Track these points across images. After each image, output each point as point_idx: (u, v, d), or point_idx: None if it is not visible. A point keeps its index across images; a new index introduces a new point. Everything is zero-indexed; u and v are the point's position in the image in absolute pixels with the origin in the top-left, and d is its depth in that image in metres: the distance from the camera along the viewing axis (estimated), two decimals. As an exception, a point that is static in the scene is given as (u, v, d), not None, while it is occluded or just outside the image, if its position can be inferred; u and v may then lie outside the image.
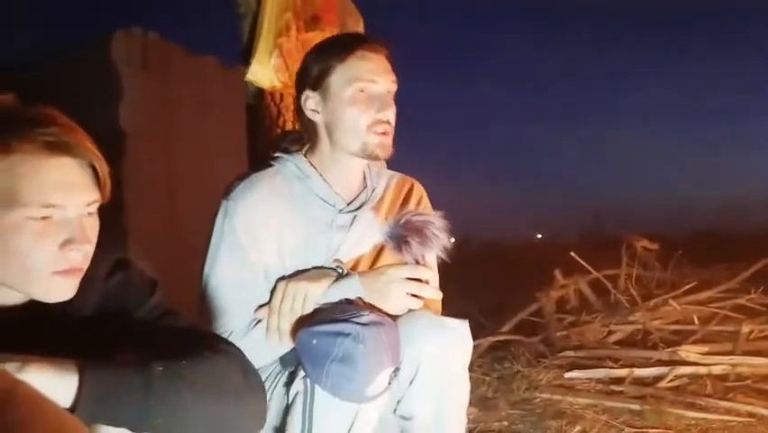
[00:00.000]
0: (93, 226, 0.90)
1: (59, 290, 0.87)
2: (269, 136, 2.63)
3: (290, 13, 2.46)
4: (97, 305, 0.93)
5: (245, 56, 2.52)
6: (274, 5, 2.42)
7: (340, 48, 1.33)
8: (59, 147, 0.84)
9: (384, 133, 1.32)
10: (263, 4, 2.44)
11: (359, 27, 2.73)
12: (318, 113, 1.34)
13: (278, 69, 2.44)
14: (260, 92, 2.58)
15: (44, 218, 0.84)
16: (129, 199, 3.95)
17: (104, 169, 0.89)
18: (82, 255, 0.87)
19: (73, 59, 4.30)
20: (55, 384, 0.74)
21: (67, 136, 0.84)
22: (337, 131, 1.33)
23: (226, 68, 4.98)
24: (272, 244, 1.30)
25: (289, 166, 1.37)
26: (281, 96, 2.57)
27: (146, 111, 4.37)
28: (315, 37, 2.46)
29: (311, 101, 1.35)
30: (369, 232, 1.36)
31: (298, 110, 1.39)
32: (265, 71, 2.46)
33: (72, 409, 0.74)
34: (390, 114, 1.33)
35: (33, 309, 0.88)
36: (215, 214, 1.33)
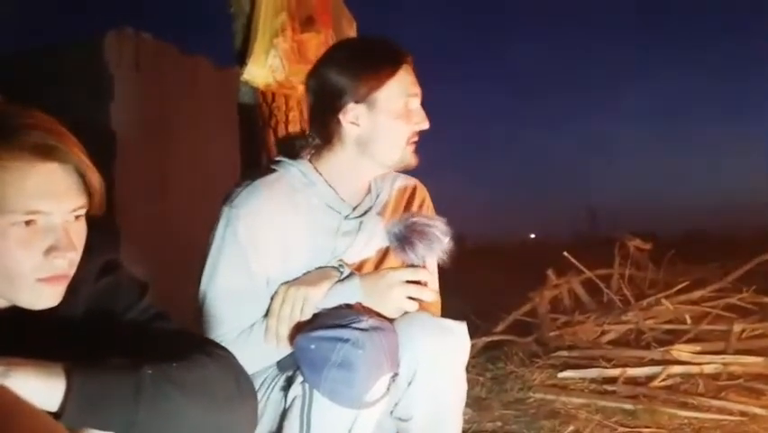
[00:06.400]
0: (79, 232, 0.88)
1: (44, 297, 0.85)
2: (262, 136, 2.63)
3: (285, 14, 2.46)
4: (86, 308, 0.92)
5: (239, 56, 2.52)
6: (269, 6, 2.42)
7: (388, 61, 1.30)
8: (45, 152, 0.82)
9: (415, 143, 1.35)
10: (258, 5, 2.43)
11: (352, 29, 2.73)
12: (358, 125, 1.31)
13: (274, 70, 2.44)
14: (253, 89, 2.57)
15: (29, 225, 0.82)
16: (121, 200, 3.93)
17: (95, 178, 0.87)
18: (67, 262, 0.85)
19: (65, 59, 4.27)
20: (42, 389, 0.73)
21: (53, 141, 0.83)
22: (378, 143, 1.31)
23: (219, 68, 4.97)
24: (276, 251, 1.28)
25: (293, 171, 1.33)
26: (273, 96, 2.57)
27: (138, 111, 4.35)
28: (311, 38, 2.46)
29: (352, 113, 1.30)
30: (374, 237, 1.35)
31: (318, 116, 1.35)
32: (261, 72, 2.46)
33: (59, 414, 0.73)
34: (427, 125, 1.34)
35: (20, 313, 0.86)
36: (217, 220, 1.30)
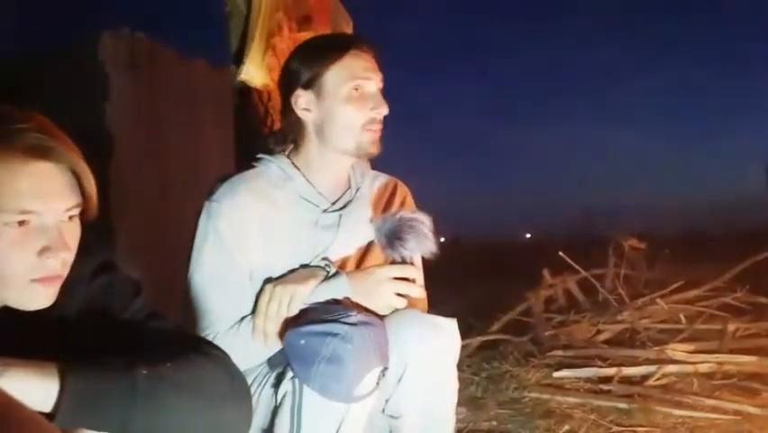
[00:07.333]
0: (72, 233, 0.87)
1: (36, 298, 0.85)
2: (257, 136, 2.62)
3: (282, 13, 2.45)
4: (81, 308, 0.92)
5: (236, 56, 2.51)
6: (265, 5, 2.42)
7: (334, 46, 1.34)
8: (39, 152, 0.81)
9: (376, 131, 1.35)
10: (255, 4, 2.43)
11: (349, 28, 2.73)
12: (310, 111, 1.34)
13: (271, 69, 2.44)
14: (244, 89, 2.56)
15: (21, 225, 0.81)
16: (117, 202, 3.92)
17: (89, 182, 0.86)
18: (60, 263, 0.85)
19: (60, 60, 4.26)
20: (35, 389, 0.72)
21: (47, 141, 0.82)
22: (330, 129, 1.33)
23: (214, 67, 4.95)
24: (256, 244, 1.30)
25: (272, 167, 1.37)
26: (269, 95, 2.56)
27: (134, 112, 4.33)
28: (307, 37, 2.46)
29: (302, 99, 1.34)
30: (355, 231, 1.37)
31: (284, 110, 1.39)
32: (259, 71, 2.46)
33: (53, 415, 0.73)
34: (385, 111, 1.35)
35: (13, 314, 0.86)
36: (198, 215, 1.32)
